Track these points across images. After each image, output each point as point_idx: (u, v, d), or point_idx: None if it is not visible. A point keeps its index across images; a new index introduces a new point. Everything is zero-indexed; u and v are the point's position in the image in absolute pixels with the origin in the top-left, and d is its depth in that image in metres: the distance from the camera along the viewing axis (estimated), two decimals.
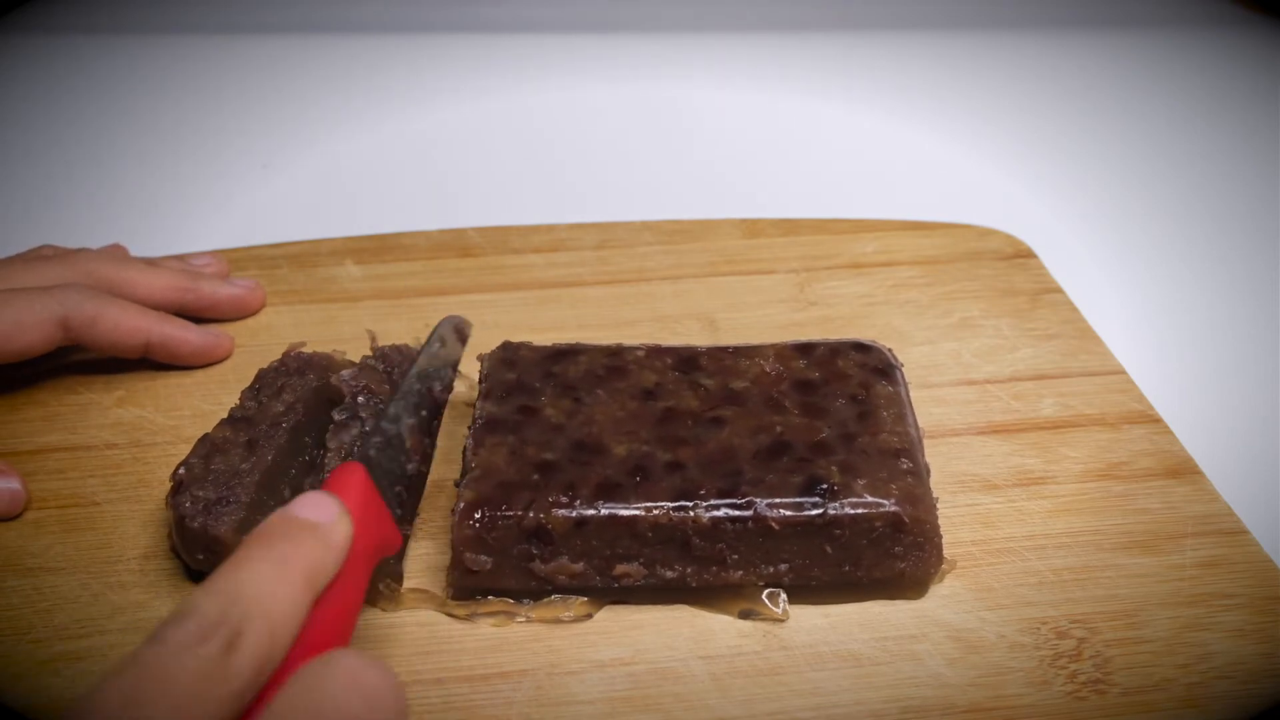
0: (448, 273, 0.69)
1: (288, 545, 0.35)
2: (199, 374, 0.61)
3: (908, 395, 0.53)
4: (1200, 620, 0.47)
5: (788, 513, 0.46)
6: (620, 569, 0.46)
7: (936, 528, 0.47)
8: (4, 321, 0.54)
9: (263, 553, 0.35)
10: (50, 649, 0.46)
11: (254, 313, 0.65)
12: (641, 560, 0.46)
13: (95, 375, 0.60)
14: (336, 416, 0.51)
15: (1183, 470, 0.54)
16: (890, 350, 0.55)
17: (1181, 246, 0.75)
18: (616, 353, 0.54)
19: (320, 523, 0.37)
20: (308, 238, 0.71)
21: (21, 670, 0.45)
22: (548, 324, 0.64)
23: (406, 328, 0.64)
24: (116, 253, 0.64)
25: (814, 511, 0.46)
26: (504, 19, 1.06)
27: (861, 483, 0.47)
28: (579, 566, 0.46)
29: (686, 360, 0.54)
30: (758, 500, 0.47)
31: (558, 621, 0.47)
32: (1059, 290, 0.67)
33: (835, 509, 0.46)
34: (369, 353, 0.56)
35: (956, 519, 0.52)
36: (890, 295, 0.66)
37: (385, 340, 0.61)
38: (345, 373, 0.53)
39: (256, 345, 0.63)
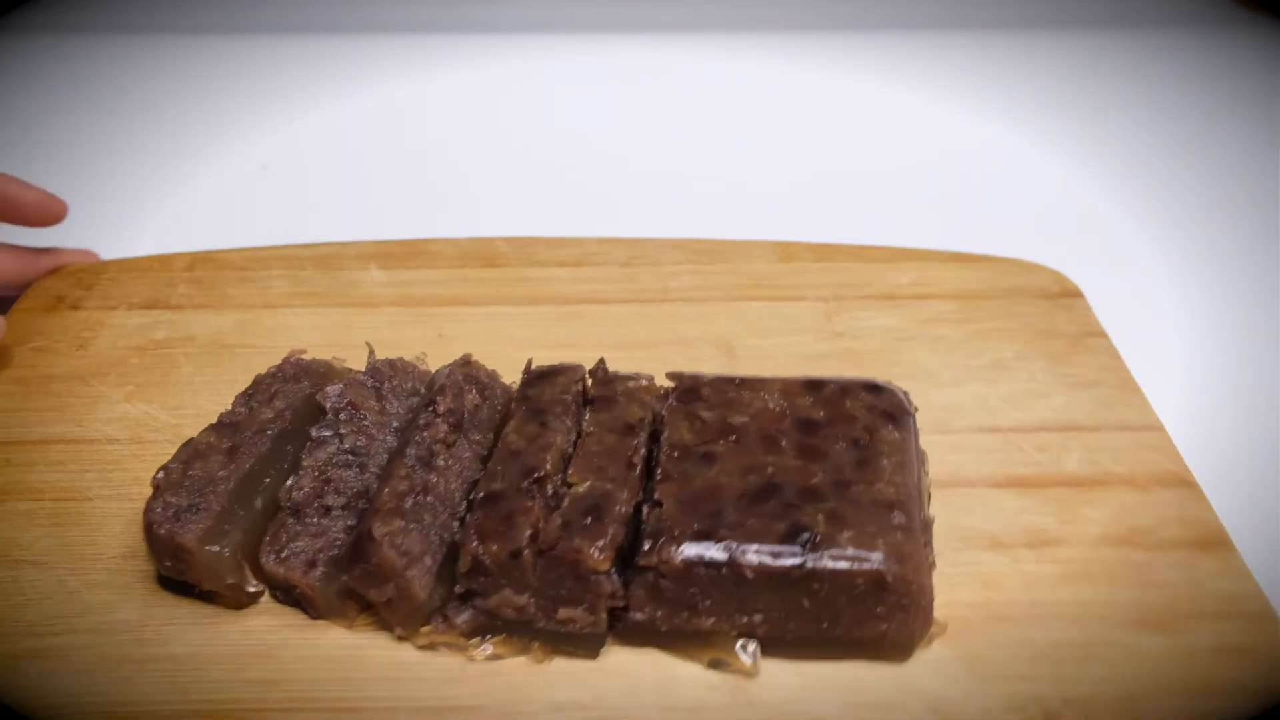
0: (471, 282, 0.68)
1: None
2: (209, 373, 0.61)
3: (917, 443, 0.50)
4: (1211, 715, 0.43)
5: (764, 561, 0.44)
6: (564, 613, 0.45)
7: (925, 589, 0.44)
8: None
9: None
10: (19, 645, 0.46)
11: (57, 221, 0.65)
12: (586, 606, 0.45)
13: (110, 370, 0.61)
14: (314, 434, 0.50)
15: (1212, 542, 0.50)
16: (905, 393, 0.53)
17: (1243, 300, 0.71)
18: (608, 380, 0.53)
19: None
20: (338, 239, 0.71)
21: None
22: (565, 341, 0.63)
23: (420, 337, 0.63)
24: None
25: (792, 562, 0.44)
26: (549, 21, 1.05)
27: (847, 535, 0.45)
28: (523, 599, 0.45)
29: (688, 390, 0.52)
30: (734, 544, 0.44)
31: (512, 657, 0.46)
32: (1103, 335, 0.63)
33: (815, 561, 0.44)
34: (365, 366, 0.55)
35: (955, 577, 0.49)
36: (921, 330, 0.63)
37: (395, 350, 0.60)
38: (331, 388, 0.52)
39: (272, 346, 0.63)
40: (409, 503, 0.47)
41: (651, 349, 0.62)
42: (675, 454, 0.49)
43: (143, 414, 0.58)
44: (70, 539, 0.51)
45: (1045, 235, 0.71)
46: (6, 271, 0.66)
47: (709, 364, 0.61)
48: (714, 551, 0.44)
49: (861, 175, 0.84)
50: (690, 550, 0.44)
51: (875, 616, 0.44)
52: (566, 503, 0.46)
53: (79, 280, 0.68)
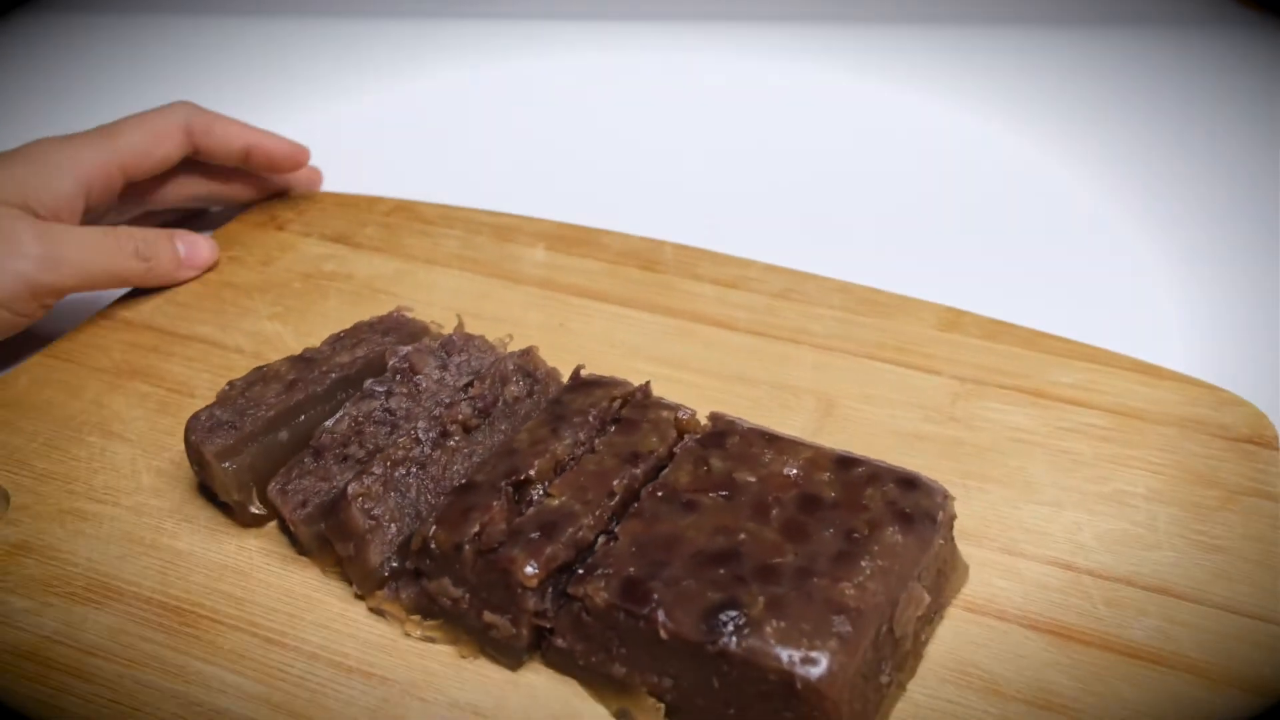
0: (619, 280, 0.68)
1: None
2: (348, 310, 0.65)
3: (925, 554, 0.45)
4: None
5: (681, 627, 0.41)
6: (488, 617, 0.44)
7: (843, 707, 0.40)
8: (143, 134, 0.66)
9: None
10: (73, 503, 0.53)
11: (303, 167, 0.74)
12: (510, 616, 0.44)
13: (272, 289, 0.67)
14: (366, 386, 0.53)
15: None
16: (946, 499, 0.47)
17: (1243, 299, 0.68)
18: (643, 405, 0.51)
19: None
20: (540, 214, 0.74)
21: (41, 511, 0.52)
22: (673, 359, 0.62)
23: (542, 321, 0.65)
24: None
25: (706, 635, 0.41)
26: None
27: (777, 625, 0.41)
28: (458, 592, 0.45)
29: (716, 434, 0.50)
30: (658, 600, 0.42)
31: (443, 644, 0.46)
32: (1275, 499, 0.52)
33: (728, 642, 0.41)
34: (447, 332, 0.57)
35: (921, 712, 0.43)
36: (1052, 438, 0.56)
37: (512, 328, 0.62)
38: (401, 347, 0.54)
39: (412, 298, 0.66)
40: (399, 472, 0.48)
41: (752, 386, 0.60)
42: (659, 494, 0.47)
43: (274, 333, 0.64)
44: (160, 425, 0.57)
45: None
46: (243, 193, 0.75)
47: (799, 416, 0.58)
48: (636, 600, 0.42)
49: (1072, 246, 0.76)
50: (615, 592, 0.43)
51: None
52: (530, 511, 0.46)
53: (295, 205, 0.75)
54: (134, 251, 0.63)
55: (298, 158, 0.73)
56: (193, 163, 0.73)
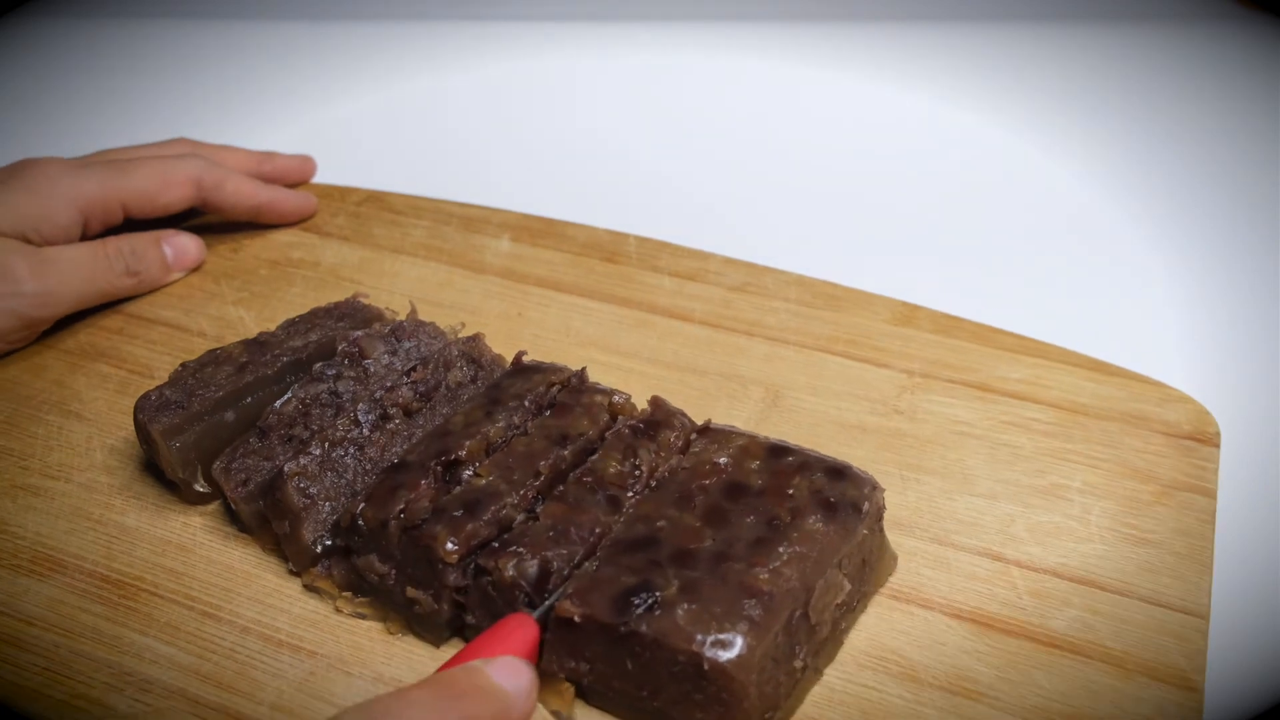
0: (580, 271, 0.69)
1: (468, 704, 0.35)
2: (310, 296, 0.67)
3: (846, 543, 0.45)
4: None
5: (593, 610, 0.42)
6: (411, 592, 0.45)
7: (750, 690, 0.40)
8: (153, 179, 0.65)
9: (437, 700, 0.35)
10: (26, 479, 0.54)
11: (308, 217, 0.74)
12: (432, 592, 0.45)
13: (238, 275, 0.68)
14: (315, 369, 0.54)
15: None
16: (875, 490, 0.47)
17: (1241, 300, 0.70)
18: (579, 390, 0.52)
19: (508, 692, 0.37)
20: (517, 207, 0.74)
21: None
22: (625, 348, 0.62)
23: (500, 310, 0.66)
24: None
25: (617, 617, 0.42)
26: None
27: (688, 608, 0.42)
28: (385, 568, 0.46)
29: (652, 422, 0.51)
30: (565, 584, 0.43)
31: (373, 620, 0.47)
32: (1209, 495, 0.53)
33: (638, 624, 0.41)
34: (401, 318, 0.58)
35: (839, 695, 0.44)
36: (993, 431, 0.56)
37: (467, 315, 0.63)
38: (353, 333, 0.55)
39: (375, 287, 0.67)
40: (337, 452, 0.49)
41: (702, 376, 0.60)
42: (587, 480, 0.47)
43: (237, 318, 0.65)
44: (118, 406, 0.59)
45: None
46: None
47: (745, 407, 0.58)
48: (538, 579, 0.43)
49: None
50: (521, 569, 0.43)
51: (693, 702, 0.41)
52: (458, 490, 0.47)
53: None
54: (124, 269, 0.64)
55: (306, 208, 0.73)
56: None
